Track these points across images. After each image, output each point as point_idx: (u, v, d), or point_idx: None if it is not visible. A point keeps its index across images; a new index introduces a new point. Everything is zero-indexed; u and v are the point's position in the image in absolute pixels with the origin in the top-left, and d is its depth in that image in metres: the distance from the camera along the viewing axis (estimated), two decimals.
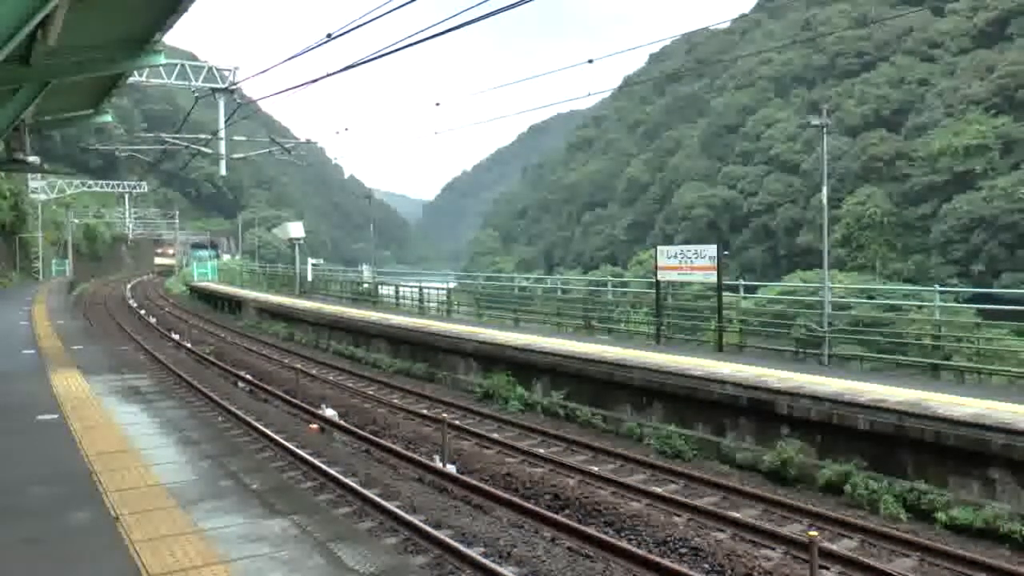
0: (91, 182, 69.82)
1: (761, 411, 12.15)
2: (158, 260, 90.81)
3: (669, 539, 8.82)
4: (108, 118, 18.82)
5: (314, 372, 20.75)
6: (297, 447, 12.20)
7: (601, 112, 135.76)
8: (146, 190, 76.49)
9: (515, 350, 17.57)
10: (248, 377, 19.21)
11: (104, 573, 5.20)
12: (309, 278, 41.38)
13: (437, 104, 22.55)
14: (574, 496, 10.18)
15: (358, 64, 11.64)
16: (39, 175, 52.85)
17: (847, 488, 10.56)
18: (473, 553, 7.92)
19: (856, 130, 71.02)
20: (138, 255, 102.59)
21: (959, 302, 29.98)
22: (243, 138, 42.18)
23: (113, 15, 10.42)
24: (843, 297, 26.16)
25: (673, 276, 19.06)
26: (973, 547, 8.87)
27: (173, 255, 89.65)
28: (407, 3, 9.14)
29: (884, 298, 28.34)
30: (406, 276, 52.32)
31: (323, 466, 11.06)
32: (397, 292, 33.51)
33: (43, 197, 60.19)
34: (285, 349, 26.24)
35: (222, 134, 30.86)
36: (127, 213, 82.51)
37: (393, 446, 12.64)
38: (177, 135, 35.25)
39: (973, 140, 59.52)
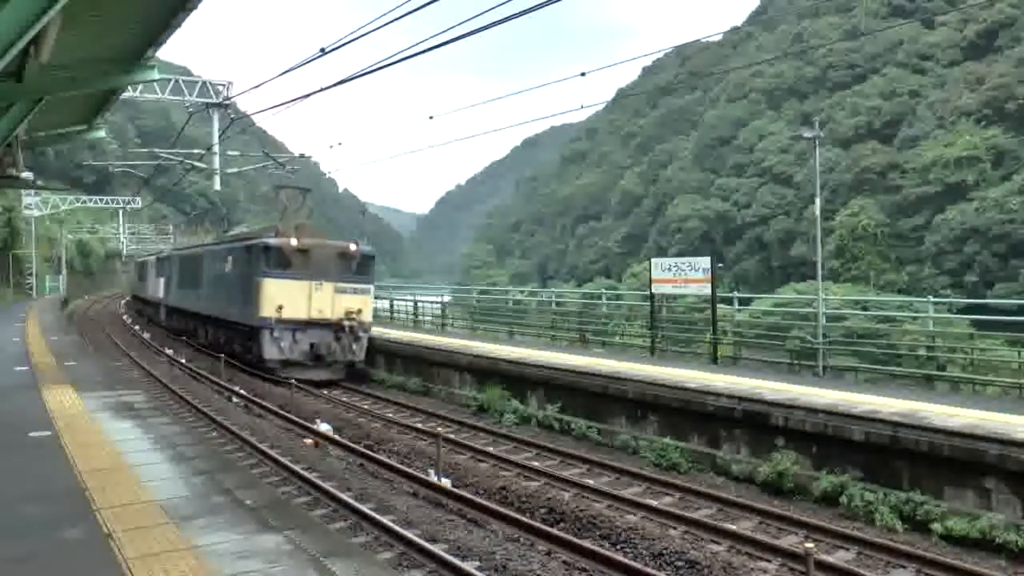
0: (85, 198, 69.52)
1: (756, 423, 12.15)
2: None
3: (665, 552, 8.78)
4: (102, 134, 18.84)
5: (308, 387, 20.66)
6: (291, 462, 12.14)
7: (594, 125, 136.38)
8: (140, 205, 75.60)
9: (509, 363, 17.55)
10: (242, 392, 19.14)
11: None
12: None
13: (431, 118, 22.42)
14: (569, 509, 10.14)
15: (352, 78, 11.70)
16: (32, 191, 52.75)
17: (843, 499, 10.55)
18: (468, 567, 7.88)
19: (848, 142, 71.49)
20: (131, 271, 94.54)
21: (953, 313, 30.05)
22: (237, 153, 42.30)
23: (106, 31, 10.45)
24: (837, 309, 26.20)
25: (667, 288, 19.10)
26: (969, 558, 8.87)
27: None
28: (399, 18, 9.19)
29: (878, 309, 28.41)
30: (400, 290, 52.25)
31: (317, 481, 11.00)
32: (391, 306, 33.48)
33: (37, 213, 59.98)
34: None
35: (216, 149, 30.93)
36: (121, 229, 79.57)
37: (388, 460, 12.59)
38: (171, 150, 35.31)
39: (964, 151, 59.99)
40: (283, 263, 21.09)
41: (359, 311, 21.81)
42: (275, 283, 20.87)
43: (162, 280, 35.79)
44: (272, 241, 21.27)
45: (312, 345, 21.19)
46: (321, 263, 21.51)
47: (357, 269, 22.42)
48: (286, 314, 20.73)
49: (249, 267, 21.81)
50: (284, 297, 20.77)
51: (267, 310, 20.70)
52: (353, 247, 22.37)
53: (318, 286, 21.23)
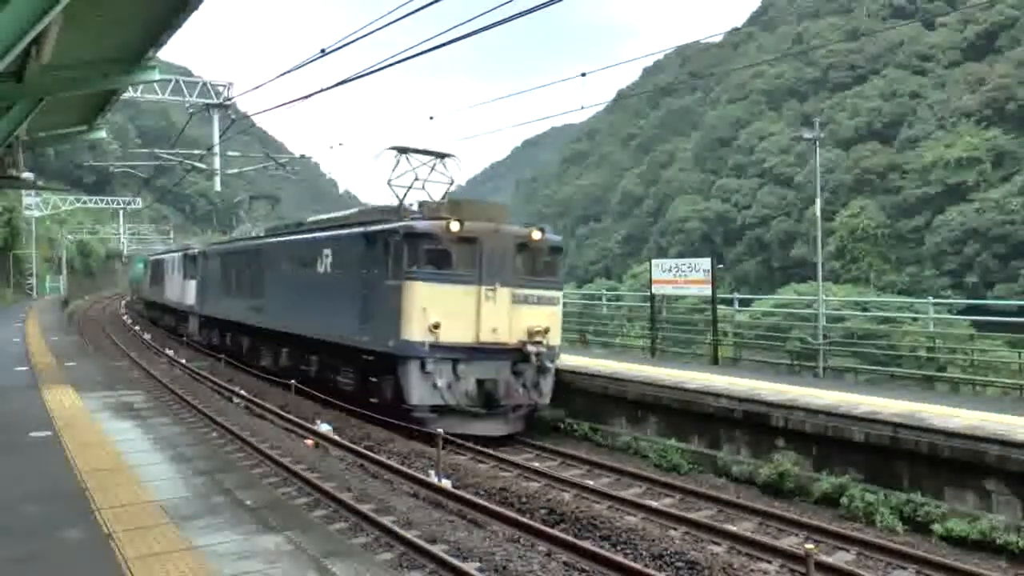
0: (85, 198, 69.54)
1: (756, 424, 12.15)
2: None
3: (665, 553, 8.78)
4: (102, 134, 18.83)
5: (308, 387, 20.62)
6: (292, 463, 12.14)
7: (595, 126, 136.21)
8: (140, 206, 75.70)
9: None
10: (243, 393, 19.13)
11: None
12: None
13: (431, 118, 22.38)
14: (569, 510, 10.14)
15: (352, 79, 11.71)
16: (33, 191, 52.75)
17: (843, 500, 10.55)
18: (469, 568, 7.88)
19: (849, 143, 71.45)
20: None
21: (953, 314, 30.05)
22: (237, 153, 42.34)
23: (107, 31, 10.44)
24: (837, 310, 26.20)
25: (668, 289, 19.10)
26: (970, 559, 8.86)
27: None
28: (400, 19, 9.19)
29: (878, 310, 28.43)
30: None
31: (317, 482, 11.00)
32: None
33: (37, 213, 59.99)
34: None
35: (216, 149, 30.93)
36: (121, 229, 79.66)
37: (388, 461, 12.59)
38: (171, 151, 35.34)
39: (965, 152, 60.00)
40: (438, 258, 14.08)
41: (546, 330, 14.72)
42: (429, 289, 13.87)
43: (193, 283, 29.61)
44: (421, 225, 14.22)
45: (480, 382, 14.28)
46: (493, 258, 14.31)
47: (544, 267, 15.40)
48: (444, 336, 13.78)
49: (378, 264, 14.82)
50: (441, 310, 13.76)
51: (416, 330, 13.75)
52: (537, 234, 15.01)
53: (490, 292, 14.18)
